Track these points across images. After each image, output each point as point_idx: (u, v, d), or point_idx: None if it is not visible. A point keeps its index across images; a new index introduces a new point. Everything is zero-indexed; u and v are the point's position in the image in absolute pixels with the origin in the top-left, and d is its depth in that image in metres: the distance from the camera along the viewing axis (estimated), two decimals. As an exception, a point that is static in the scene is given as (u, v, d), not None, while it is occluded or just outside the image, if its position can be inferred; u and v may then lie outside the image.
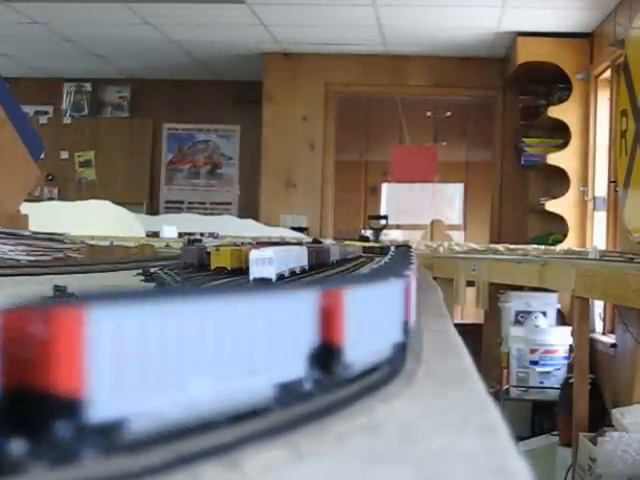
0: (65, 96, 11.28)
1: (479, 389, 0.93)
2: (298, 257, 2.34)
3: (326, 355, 0.79)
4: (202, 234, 6.30)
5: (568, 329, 6.94)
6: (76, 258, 3.56)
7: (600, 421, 5.48)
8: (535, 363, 7.20)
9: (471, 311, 8.05)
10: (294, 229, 8.74)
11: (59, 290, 1.88)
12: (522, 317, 7.40)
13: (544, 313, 7.43)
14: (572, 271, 4.34)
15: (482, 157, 10.83)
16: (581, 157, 8.32)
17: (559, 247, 7.11)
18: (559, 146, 8.71)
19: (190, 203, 11.12)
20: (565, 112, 8.47)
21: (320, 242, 4.88)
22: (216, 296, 0.67)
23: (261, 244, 2.92)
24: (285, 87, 9.67)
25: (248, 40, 9.13)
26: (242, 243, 3.32)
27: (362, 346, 0.85)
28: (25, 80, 10.52)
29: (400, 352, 1.01)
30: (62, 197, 10.74)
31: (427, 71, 9.61)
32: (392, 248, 3.97)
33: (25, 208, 4.53)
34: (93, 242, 4.99)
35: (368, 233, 10.45)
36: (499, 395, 7.02)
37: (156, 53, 9.79)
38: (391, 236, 10.65)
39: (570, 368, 6.48)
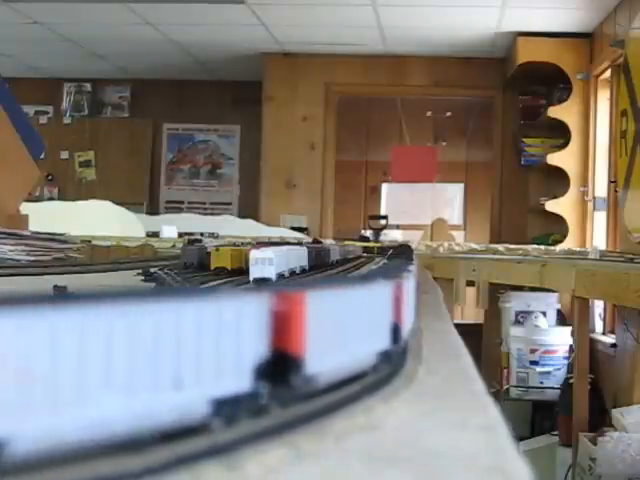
0: (65, 96, 11.28)
1: (479, 389, 0.93)
2: (298, 257, 2.34)
3: (280, 366, 0.70)
4: (202, 234, 6.30)
5: (568, 329, 6.94)
6: (76, 258, 3.56)
7: (600, 421, 5.48)
8: (535, 363, 7.20)
9: (471, 311, 8.05)
10: (294, 229, 8.74)
11: (59, 290, 1.88)
12: (522, 317, 7.41)
13: (544, 313, 7.44)
14: (572, 271, 4.34)
15: (482, 157, 10.83)
16: (581, 157, 8.33)
17: (559, 247, 7.11)
18: (559, 146, 8.71)
19: (190, 203, 11.12)
20: (565, 112, 8.47)
21: (320, 242, 4.87)
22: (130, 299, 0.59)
23: (261, 244, 2.92)
24: (285, 87, 9.67)
25: (248, 40, 9.13)
26: (242, 243, 3.32)
27: (327, 356, 0.76)
28: (25, 80, 10.52)
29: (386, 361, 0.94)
30: (62, 197, 10.74)
31: (427, 71, 9.61)
32: (392, 248, 3.97)
33: (25, 208, 4.53)
34: (97, 242, 5.01)
35: (368, 233, 10.45)
36: (499, 395, 7.03)
37: (156, 53, 9.79)
38: (391, 236, 10.64)
39: (570, 368, 6.48)
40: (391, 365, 0.94)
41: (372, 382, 0.87)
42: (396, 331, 0.96)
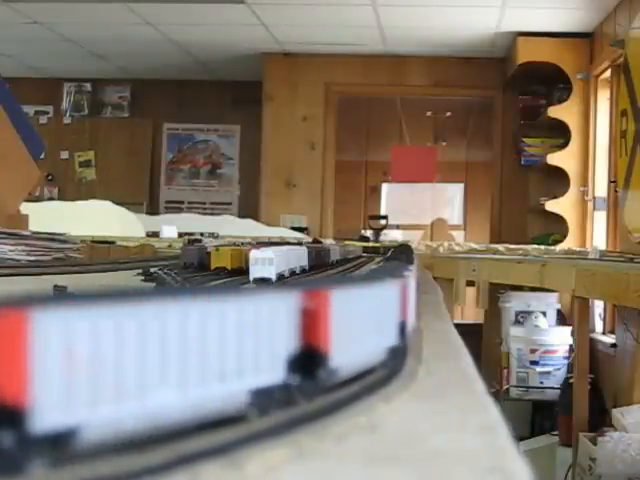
0: (65, 96, 11.28)
1: (479, 389, 0.93)
2: (298, 257, 2.34)
3: (309, 360, 0.73)
4: (202, 234, 6.30)
5: (568, 329, 6.93)
6: (76, 258, 3.56)
7: (600, 421, 5.48)
8: (535, 363, 7.20)
9: (471, 311, 8.04)
10: (294, 229, 8.74)
11: (59, 290, 1.88)
12: (522, 317, 7.40)
13: (544, 313, 7.43)
14: (572, 271, 4.34)
15: (482, 157, 10.83)
16: (581, 157, 8.32)
17: (559, 247, 7.11)
18: (559, 146, 8.71)
19: (190, 203, 11.12)
20: (565, 112, 8.47)
21: (320, 242, 4.88)
22: (182, 297, 0.62)
23: (261, 244, 2.92)
24: (285, 87, 9.67)
25: (248, 40, 9.13)
26: (242, 243, 3.32)
27: (348, 351, 0.80)
28: (25, 80, 10.52)
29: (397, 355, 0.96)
30: (62, 197, 10.74)
31: (427, 71, 9.61)
32: (392, 248, 3.98)
33: (25, 208, 4.53)
34: (121, 242, 5.04)
35: (368, 233, 10.45)
36: (499, 395, 7.02)
37: (156, 53, 9.79)
38: (391, 236, 10.64)
39: (570, 368, 6.48)
40: (404, 356, 0.91)
41: (372, 382, 0.87)
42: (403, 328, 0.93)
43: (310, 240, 5.80)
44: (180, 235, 6.50)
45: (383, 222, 10.60)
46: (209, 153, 11.27)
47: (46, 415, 0.51)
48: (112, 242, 5.19)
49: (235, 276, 2.24)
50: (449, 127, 11.58)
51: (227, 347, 0.64)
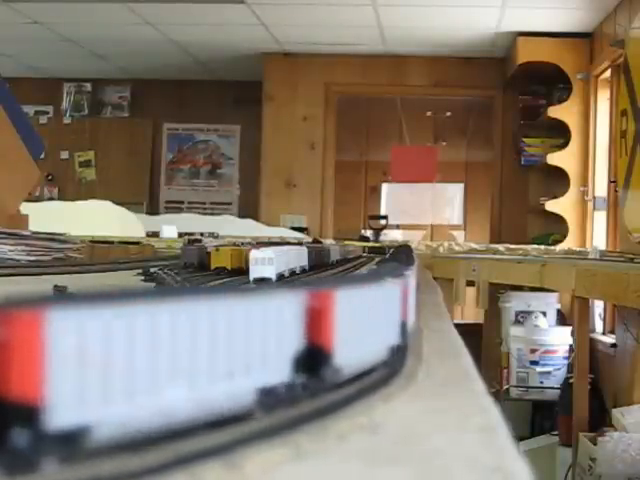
0: (65, 96, 11.28)
1: (479, 389, 0.93)
2: (298, 257, 2.34)
3: (313, 358, 0.73)
4: (202, 234, 6.30)
5: (568, 329, 6.93)
6: (76, 258, 3.55)
7: (600, 421, 5.48)
8: (535, 363, 7.20)
9: (471, 311, 8.04)
10: (294, 229, 8.73)
11: (59, 290, 1.88)
12: (522, 317, 7.40)
13: (544, 313, 7.43)
14: (572, 271, 4.34)
15: (482, 157, 10.82)
16: (581, 157, 8.32)
17: (559, 247, 7.11)
18: (559, 146, 8.71)
19: (190, 203, 11.12)
20: (565, 112, 8.47)
21: (320, 242, 4.88)
22: (192, 296, 0.63)
23: (261, 244, 2.92)
24: (285, 87, 9.67)
25: (248, 40, 9.13)
26: (242, 243, 3.32)
27: (353, 349, 0.78)
28: (25, 80, 10.52)
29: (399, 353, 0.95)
30: (62, 197, 10.74)
31: (427, 71, 9.61)
32: (392, 248, 3.98)
33: (25, 208, 4.53)
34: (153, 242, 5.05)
35: (368, 233, 10.44)
36: (499, 395, 7.02)
37: (156, 53, 9.79)
38: (391, 236, 10.64)
39: (570, 368, 6.48)
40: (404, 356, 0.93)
41: (372, 382, 0.87)
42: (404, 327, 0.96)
43: (310, 240, 5.80)
44: (180, 235, 6.50)
45: (383, 222, 10.60)
46: (209, 153, 11.27)
47: (60, 414, 0.52)
48: (137, 243, 5.20)
49: (235, 276, 2.24)
50: (449, 127, 11.58)
51: (235, 346, 0.65)
